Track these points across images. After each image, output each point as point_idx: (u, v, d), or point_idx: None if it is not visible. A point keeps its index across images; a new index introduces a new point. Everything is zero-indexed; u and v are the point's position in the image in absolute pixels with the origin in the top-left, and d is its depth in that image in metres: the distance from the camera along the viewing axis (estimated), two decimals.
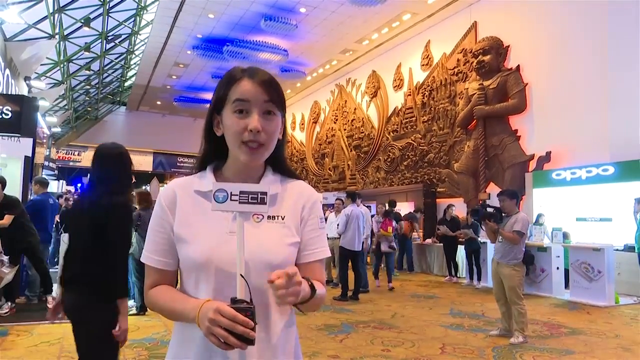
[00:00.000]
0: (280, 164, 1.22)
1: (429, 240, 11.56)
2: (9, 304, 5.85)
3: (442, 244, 10.26)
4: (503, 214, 5.37)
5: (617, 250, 7.85)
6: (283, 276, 0.94)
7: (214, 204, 1.01)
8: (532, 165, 10.68)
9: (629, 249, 8.05)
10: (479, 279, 9.11)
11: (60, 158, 24.52)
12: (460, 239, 9.71)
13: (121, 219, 2.26)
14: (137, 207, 6.06)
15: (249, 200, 1.00)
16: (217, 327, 0.93)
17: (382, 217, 9.08)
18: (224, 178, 1.17)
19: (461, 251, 9.88)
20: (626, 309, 7.01)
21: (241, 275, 0.97)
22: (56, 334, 4.96)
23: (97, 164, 2.31)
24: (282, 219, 1.13)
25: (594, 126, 9.40)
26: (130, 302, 6.40)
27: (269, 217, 1.12)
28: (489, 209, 5.46)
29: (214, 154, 1.19)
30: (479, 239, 9.12)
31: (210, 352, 1.04)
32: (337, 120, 19.47)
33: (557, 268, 8.13)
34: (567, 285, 8.07)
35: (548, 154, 10.32)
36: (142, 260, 1.16)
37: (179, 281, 1.19)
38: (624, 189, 8.49)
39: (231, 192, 1.00)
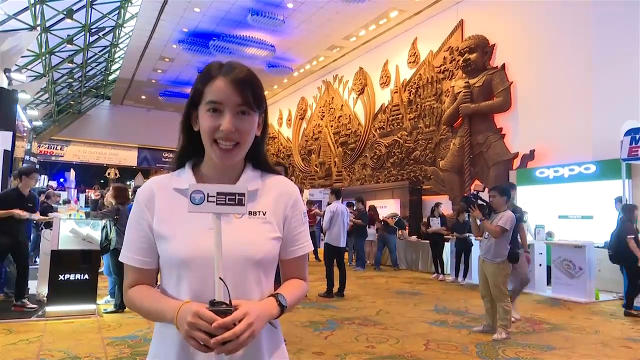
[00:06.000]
0: (260, 160, 1.21)
1: (414, 237, 11.61)
2: (27, 299, 5.83)
3: (428, 241, 10.30)
4: (492, 210, 5.36)
5: (597, 247, 7.97)
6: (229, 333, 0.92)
7: (190, 205, 0.97)
8: (516, 163, 10.81)
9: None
10: (464, 276, 9.18)
11: (42, 152, 24.05)
12: (446, 237, 9.76)
13: None
14: (113, 201, 6.04)
15: (227, 202, 0.97)
16: (197, 330, 0.92)
17: None
18: (203, 175, 1.15)
19: (446, 248, 9.95)
20: (606, 305, 7.14)
21: (220, 278, 0.95)
22: (36, 332, 4.87)
23: None
24: (264, 214, 1.13)
25: (577, 125, 9.54)
26: (109, 298, 6.34)
27: (250, 212, 1.11)
28: (480, 202, 5.42)
29: (191, 150, 1.17)
30: (470, 236, 9.13)
31: (192, 350, 1.02)
32: (323, 116, 19.45)
33: (540, 265, 8.23)
34: (549, 282, 8.18)
35: (532, 152, 10.45)
36: (120, 259, 1.14)
37: (159, 279, 1.17)
38: (605, 187, 8.64)
39: (208, 194, 0.97)
